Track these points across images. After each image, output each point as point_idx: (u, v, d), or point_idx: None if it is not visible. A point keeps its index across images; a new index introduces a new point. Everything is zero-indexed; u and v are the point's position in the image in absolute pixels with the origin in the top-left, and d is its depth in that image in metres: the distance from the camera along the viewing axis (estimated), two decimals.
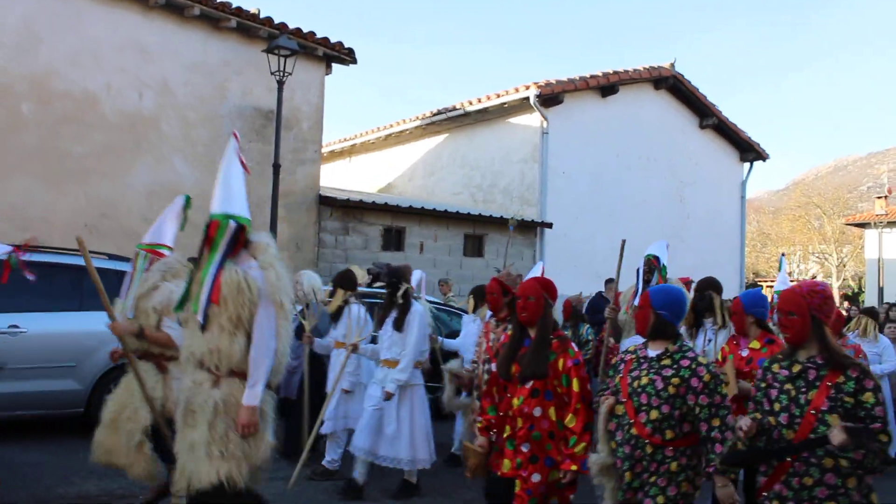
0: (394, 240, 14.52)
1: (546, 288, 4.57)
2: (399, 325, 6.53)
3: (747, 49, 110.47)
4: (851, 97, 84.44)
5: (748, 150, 21.01)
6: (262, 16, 12.62)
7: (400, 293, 6.55)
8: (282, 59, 11.80)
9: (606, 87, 17.29)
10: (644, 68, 18.13)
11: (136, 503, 5.84)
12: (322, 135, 14.04)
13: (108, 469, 6.29)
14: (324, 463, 7.11)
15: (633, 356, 4.09)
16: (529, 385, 4.39)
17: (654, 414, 3.86)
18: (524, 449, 4.36)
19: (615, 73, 17.44)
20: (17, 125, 10.46)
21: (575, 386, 4.33)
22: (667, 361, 3.93)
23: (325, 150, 18.11)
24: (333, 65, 14.02)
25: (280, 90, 11.96)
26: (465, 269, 15.19)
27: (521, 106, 16.45)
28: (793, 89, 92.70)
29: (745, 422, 3.49)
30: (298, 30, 12.88)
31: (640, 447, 3.89)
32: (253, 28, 12.53)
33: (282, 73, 11.85)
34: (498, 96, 16.65)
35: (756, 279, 38.45)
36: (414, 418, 6.47)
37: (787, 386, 3.46)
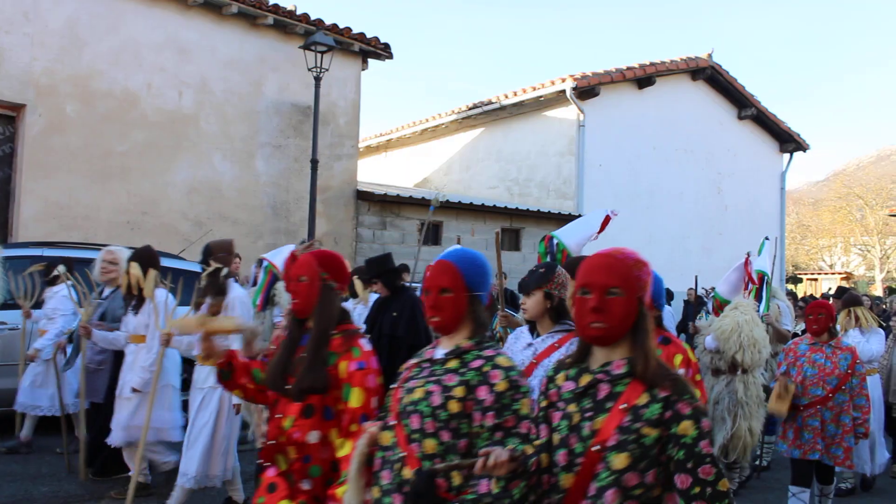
0: (431, 234, 14.57)
1: (326, 265, 3.29)
2: (215, 313, 5.50)
3: (786, 38, 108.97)
4: (895, 85, 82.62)
5: (788, 141, 20.75)
6: (298, 12, 12.71)
7: (221, 275, 5.53)
8: (318, 56, 11.88)
9: (643, 78, 17.17)
10: (681, 59, 17.98)
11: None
12: (359, 130, 14.12)
13: None
14: (131, 475, 5.97)
15: (417, 360, 2.88)
16: (301, 401, 3.17)
17: (428, 445, 2.61)
18: (304, 487, 3.16)
19: (652, 64, 17.31)
20: (61, 125, 10.66)
21: (353, 399, 3.05)
22: (453, 364, 2.71)
23: (361, 145, 18.18)
24: (369, 60, 14.09)
25: (317, 86, 12.04)
26: (503, 264, 15.21)
27: (558, 99, 16.40)
28: (834, 78, 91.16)
29: (498, 454, 2.28)
30: (335, 26, 12.95)
31: (422, 476, 2.58)
32: (289, 25, 12.63)
33: (318, 69, 11.92)
34: (534, 89, 16.60)
35: (796, 272, 37.93)
36: (219, 426, 5.51)
37: (571, 408, 2.35)
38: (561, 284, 3.92)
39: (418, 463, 2.60)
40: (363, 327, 7.09)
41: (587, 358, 2.43)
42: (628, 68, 16.89)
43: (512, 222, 15.65)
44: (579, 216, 16.11)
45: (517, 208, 15.54)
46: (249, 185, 12.39)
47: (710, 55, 18.46)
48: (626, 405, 2.24)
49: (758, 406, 6.99)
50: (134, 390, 5.80)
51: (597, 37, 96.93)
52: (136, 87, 11.37)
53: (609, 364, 2.34)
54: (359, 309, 7.45)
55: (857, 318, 7.71)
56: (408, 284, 7.59)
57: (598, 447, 2.23)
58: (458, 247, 3.01)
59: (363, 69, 14.02)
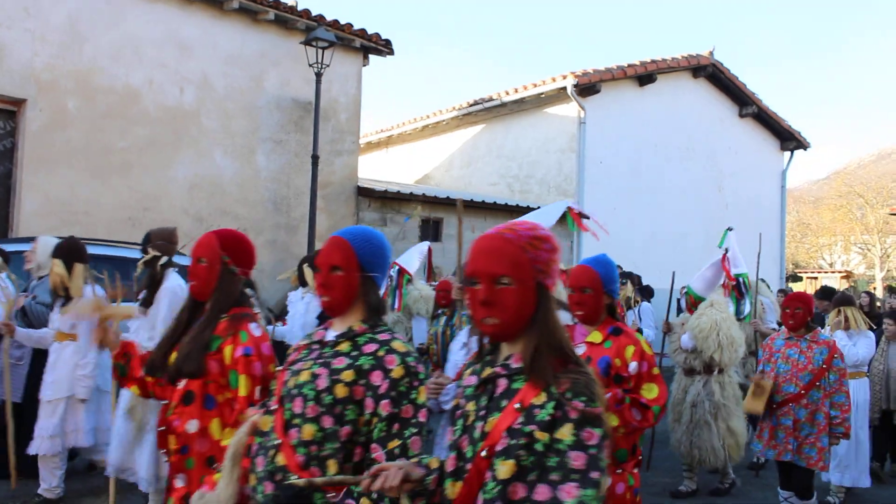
0: (431, 230, 14.57)
1: (229, 248, 3.12)
2: (147, 304, 5.30)
3: (787, 36, 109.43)
4: None
5: (789, 139, 20.75)
6: (299, 8, 12.70)
7: (159, 264, 5.32)
8: (319, 51, 11.88)
9: (644, 75, 17.15)
10: (682, 56, 17.96)
11: None
12: (359, 126, 14.12)
13: None
14: (40, 491, 5.74)
15: (307, 342, 2.68)
16: (182, 386, 3.01)
17: (307, 431, 2.40)
18: (178, 485, 2.98)
19: (653, 61, 17.29)
20: (62, 121, 10.66)
21: (241, 387, 2.90)
22: (344, 346, 2.52)
23: (362, 141, 18.20)
24: (370, 56, 14.08)
25: (318, 82, 12.04)
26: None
27: (559, 96, 16.39)
28: (835, 77, 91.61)
29: (391, 475, 2.03)
30: (336, 21, 12.94)
31: (287, 490, 2.35)
32: (291, 20, 12.61)
33: (319, 65, 11.93)
34: (535, 86, 16.60)
35: (796, 270, 37.93)
36: None
37: (469, 406, 2.10)
38: None
39: (293, 451, 2.39)
40: (315, 320, 6.85)
41: (498, 349, 2.14)
42: (629, 65, 16.88)
43: (512, 219, 15.60)
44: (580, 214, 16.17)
45: (518, 205, 15.53)
46: (250, 180, 12.39)
47: (711, 53, 18.45)
48: (519, 404, 1.93)
49: (736, 405, 6.92)
50: (80, 401, 5.56)
51: (598, 34, 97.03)
52: (137, 82, 11.37)
53: (510, 357, 2.07)
54: (308, 298, 7.19)
55: (846, 319, 7.14)
56: None
57: (485, 452, 1.93)
58: (361, 226, 2.75)
59: (364, 65, 14.01)
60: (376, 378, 2.41)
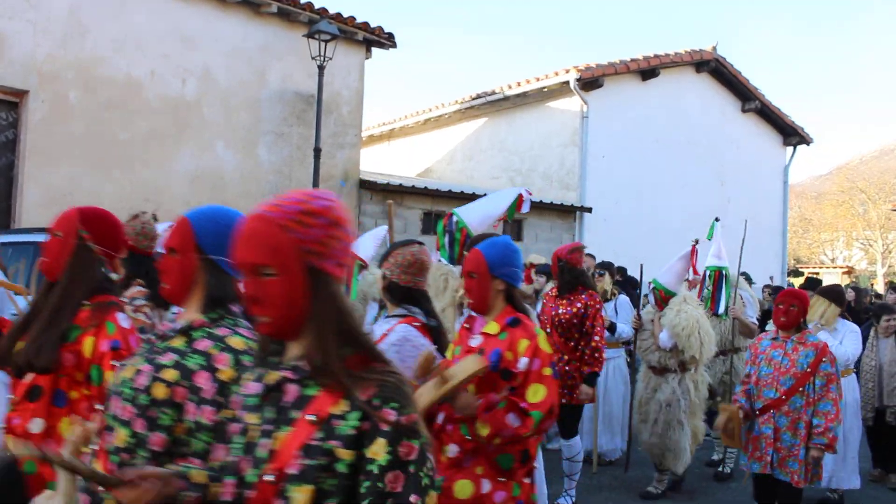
0: (433, 224, 14.56)
1: (90, 223, 2.77)
2: None
3: (791, 31, 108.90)
4: None
5: (791, 135, 20.71)
6: (302, 1, 12.67)
7: None
8: (322, 44, 11.86)
9: (647, 70, 17.12)
10: (685, 52, 17.92)
11: None
12: (362, 119, 14.10)
13: None
14: None
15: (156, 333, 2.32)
16: (28, 380, 2.63)
17: (121, 436, 2.08)
18: None
19: (656, 56, 17.25)
20: (64, 112, 10.64)
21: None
22: (178, 342, 2.17)
23: (364, 134, 18.13)
24: (373, 49, 14.05)
25: (321, 75, 12.01)
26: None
27: (561, 90, 16.36)
28: (839, 72, 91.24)
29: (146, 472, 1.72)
30: (339, 14, 12.91)
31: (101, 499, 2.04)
32: (293, 13, 12.58)
33: (322, 58, 11.90)
34: (538, 80, 16.56)
35: (798, 265, 37.91)
36: None
37: (251, 418, 1.72)
38: (399, 265, 3.55)
39: (106, 457, 2.06)
40: None
41: (283, 348, 1.77)
42: (632, 60, 16.84)
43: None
44: (582, 207, 16.18)
45: None
46: (252, 173, 12.38)
47: (714, 48, 18.40)
48: (315, 415, 1.58)
49: (703, 403, 6.80)
50: None
51: (601, 28, 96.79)
52: (139, 74, 11.35)
53: (301, 358, 1.68)
54: None
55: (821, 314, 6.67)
56: None
57: (272, 476, 1.57)
58: (216, 205, 2.36)
59: (367, 58, 13.98)
60: (201, 380, 2.07)
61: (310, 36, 11.89)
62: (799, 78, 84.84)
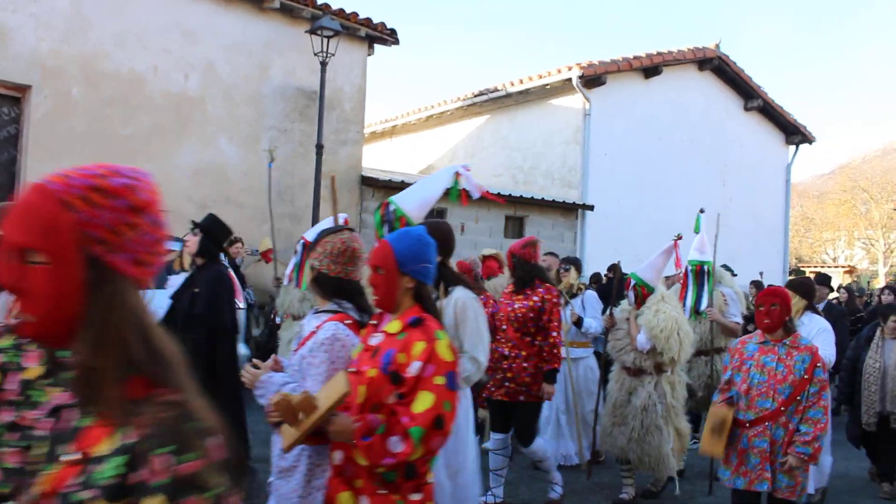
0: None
1: None
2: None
3: (794, 30, 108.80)
4: None
5: (794, 133, 20.69)
6: None
7: None
8: (325, 40, 11.85)
9: (650, 68, 17.11)
10: (688, 49, 17.91)
11: None
12: (364, 116, 14.09)
13: None
14: None
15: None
16: None
17: None
18: None
19: (659, 53, 17.25)
20: (67, 107, 10.64)
21: None
22: (5, 341, 2.03)
23: (366, 130, 18.14)
24: (375, 45, 14.03)
25: (323, 71, 12.01)
26: (506, 251, 15.22)
27: (564, 87, 16.35)
28: (841, 70, 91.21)
29: None
30: (341, 10, 12.90)
31: None
32: (296, 9, 12.57)
33: (324, 54, 11.90)
34: (540, 77, 16.55)
35: (799, 264, 37.90)
36: None
37: (36, 451, 1.36)
38: (327, 254, 3.37)
39: None
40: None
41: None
42: (635, 57, 16.83)
43: (516, 210, 15.62)
44: (584, 205, 16.17)
45: (521, 196, 15.51)
46: (255, 168, 12.37)
47: (717, 46, 18.39)
48: (80, 454, 1.24)
49: (683, 405, 6.48)
50: None
51: (604, 26, 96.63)
52: (141, 69, 11.34)
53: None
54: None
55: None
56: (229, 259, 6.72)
57: None
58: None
59: (369, 54, 13.97)
60: (10, 381, 1.89)
61: (312, 32, 11.88)
62: (801, 76, 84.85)
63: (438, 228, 4.11)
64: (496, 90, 17.49)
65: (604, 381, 7.03)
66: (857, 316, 11.90)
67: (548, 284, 6.18)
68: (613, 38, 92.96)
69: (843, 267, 35.34)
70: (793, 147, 21.11)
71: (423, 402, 2.80)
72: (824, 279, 9.37)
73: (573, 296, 7.71)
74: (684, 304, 7.07)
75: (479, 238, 14.67)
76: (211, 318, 5.47)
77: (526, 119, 17.64)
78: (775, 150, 20.80)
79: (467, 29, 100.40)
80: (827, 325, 6.22)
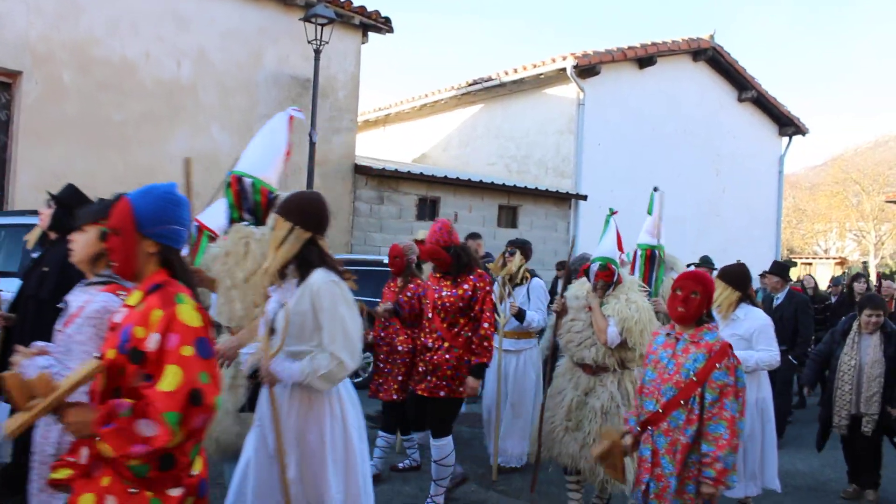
0: (428, 210, 14.53)
1: None
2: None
3: (788, 21, 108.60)
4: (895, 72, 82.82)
5: (787, 125, 20.71)
6: None
7: None
8: (318, 28, 11.79)
9: (644, 58, 17.08)
10: (683, 40, 17.89)
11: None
12: (358, 104, 14.05)
13: None
14: None
15: None
16: None
17: None
18: None
19: (653, 44, 17.22)
20: (58, 93, 10.57)
21: None
22: None
23: (360, 119, 18.12)
24: (370, 33, 13.98)
25: (317, 59, 11.95)
26: (499, 240, 15.18)
27: (558, 77, 16.31)
28: (834, 62, 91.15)
29: None
30: None
31: None
32: None
33: (318, 42, 11.83)
34: (534, 67, 16.51)
35: (791, 256, 38.02)
36: None
37: None
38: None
39: None
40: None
41: None
42: (629, 48, 16.80)
43: (510, 199, 15.61)
44: (577, 195, 16.16)
45: (515, 186, 15.50)
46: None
47: (711, 36, 18.37)
48: None
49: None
50: None
51: (598, 15, 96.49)
52: (133, 55, 11.27)
53: None
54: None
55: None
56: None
57: None
58: None
59: (363, 43, 13.92)
60: None
61: (306, 20, 11.82)
62: (795, 67, 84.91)
63: (307, 200, 3.58)
64: (490, 79, 17.45)
65: (547, 377, 5.80)
66: (825, 304, 11.87)
67: (480, 271, 5.55)
68: (608, 28, 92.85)
69: (834, 258, 35.45)
70: (786, 138, 21.14)
71: (171, 378, 2.38)
72: (780, 269, 8.63)
73: (518, 284, 6.84)
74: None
75: (472, 227, 14.66)
76: (57, 301, 4.45)
77: (520, 108, 17.60)
78: (769, 142, 20.82)
79: (462, 18, 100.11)
80: (767, 320, 5.51)
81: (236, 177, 4.63)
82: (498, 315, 6.34)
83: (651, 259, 6.19)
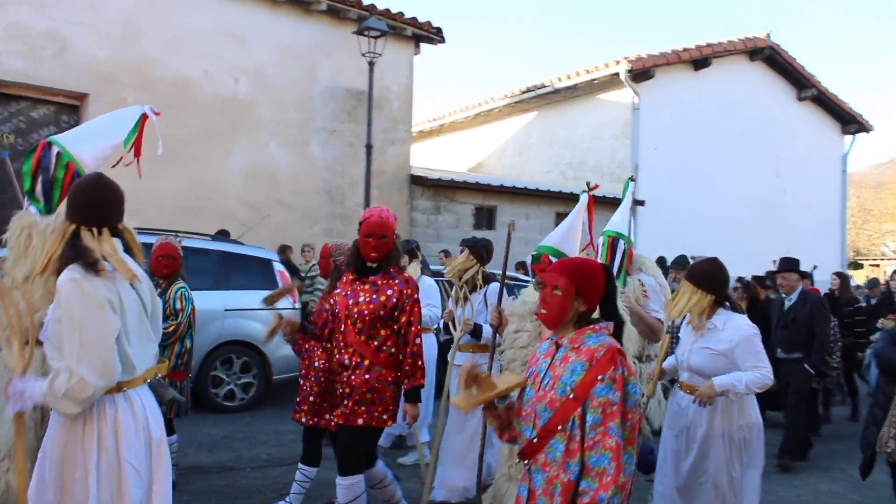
0: (485, 218, 14.55)
1: None
2: None
3: (848, 15, 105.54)
4: None
5: (850, 122, 20.25)
6: None
7: None
8: (372, 41, 11.92)
9: (699, 60, 16.89)
10: (738, 39, 17.65)
11: (246, 473, 6.08)
12: (412, 115, 14.17)
13: (220, 441, 6.56)
14: None
15: None
16: None
17: None
18: None
19: (708, 45, 17.02)
20: None
21: None
22: None
23: (414, 129, 18.26)
24: (422, 44, 14.10)
25: (371, 71, 12.08)
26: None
27: (612, 81, 16.22)
28: None
29: None
30: (387, 11, 12.97)
31: None
32: (343, 10, 12.67)
33: (372, 54, 11.96)
34: (588, 72, 16.45)
35: (857, 257, 37.07)
36: None
37: None
38: None
39: None
40: None
41: None
42: (684, 49, 16.64)
43: (566, 207, 15.54)
44: (634, 200, 15.98)
45: (571, 192, 15.43)
46: (305, 170, 12.51)
47: (768, 35, 18.09)
48: None
49: None
50: None
51: (652, 18, 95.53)
52: (193, 74, 11.54)
53: None
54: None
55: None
56: None
57: None
58: None
59: (416, 53, 14.03)
60: None
61: (359, 33, 11.96)
62: (857, 63, 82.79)
63: (75, 185, 3.11)
64: (543, 86, 17.43)
65: None
66: (854, 307, 10.30)
67: (405, 274, 4.53)
68: (661, 30, 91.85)
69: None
70: (849, 136, 20.68)
71: None
72: (790, 265, 7.51)
73: (473, 290, 5.87)
74: None
75: (529, 235, 14.62)
76: None
77: (574, 115, 17.54)
78: (831, 140, 20.38)
79: (514, 25, 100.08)
80: (752, 329, 4.24)
81: (45, 142, 3.96)
82: (453, 328, 5.71)
83: (613, 248, 5.29)
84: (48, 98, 10.63)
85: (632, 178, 5.86)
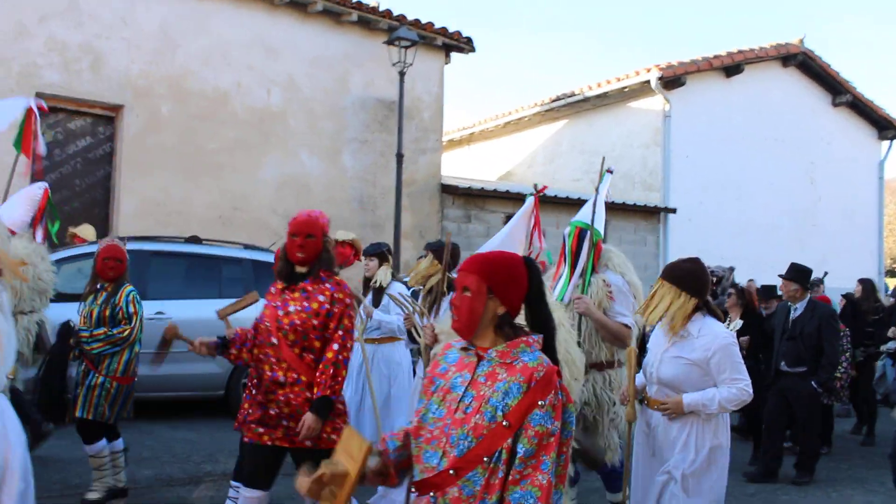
0: None
1: None
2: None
3: (883, 17, 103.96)
4: None
5: (887, 128, 19.94)
6: (381, 8, 12.85)
7: None
8: (402, 51, 11.99)
9: (731, 66, 16.77)
10: (771, 46, 17.49)
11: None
12: (442, 124, 14.22)
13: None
14: None
15: None
16: None
17: None
18: None
19: (740, 51, 16.90)
20: (157, 125, 11.05)
21: None
22: None
23: (445, 138, 18.30)
24: (452, 54, 14.15)
25: (401, 81, 12.15)
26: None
27: (642, 89, 16.16)
28: None
29: None
30: (417, 21, 13.05)
31: None
32: (373, 21, 12.77)
33: (402, 64, 12.03)
34: (618, 80, 16.40)
35: (894, 265, 36.46)
36: None
37: None
38: None
39: None
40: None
41: None
42: (715, 56, 16.52)
43: None
44: (666, 208, 15.91)
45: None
46: (336, 180, 12.60)
47: (801, 41, 17.89)
48: None
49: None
50: None
51: (682, 25, 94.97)
52: (226, 86, 11.69)
53: None
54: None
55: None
56: None
57: None
58: None
59: (446, 63, 14.09)
60: None
61: (390, 43, 12.04)
62: (893, 68, 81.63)
63: None
64: (574, 94, 17.40)
65: None
66: (874, 319, 9.77)
67: (336, 278, 4.17)
68: (692, 37, 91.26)
69: None
70: (886, 142, 20.36)
71: None
72: (798, 273, 7.19)
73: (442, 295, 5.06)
74: (556, 285, 5.00)
75: (559, 244, 14.59)
76: None
77: (605, 123, 17.48)
78: (867, 146, 20.09)
79: (543, 34, 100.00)
80: (730, 338, 3.83)
81: None
82: (417, 336, 4.97)
83: (580, 238, 4.95)
84: (85, 110, 10.85)
85: (609, 170, 5.60)
